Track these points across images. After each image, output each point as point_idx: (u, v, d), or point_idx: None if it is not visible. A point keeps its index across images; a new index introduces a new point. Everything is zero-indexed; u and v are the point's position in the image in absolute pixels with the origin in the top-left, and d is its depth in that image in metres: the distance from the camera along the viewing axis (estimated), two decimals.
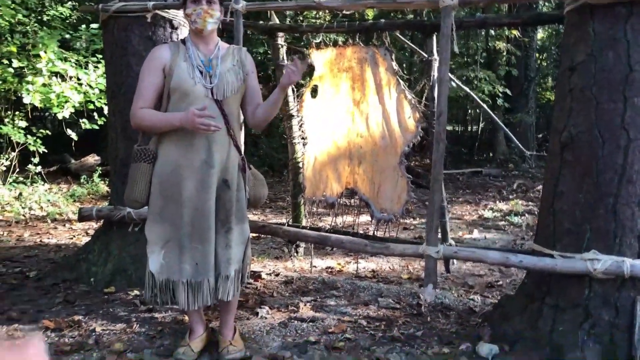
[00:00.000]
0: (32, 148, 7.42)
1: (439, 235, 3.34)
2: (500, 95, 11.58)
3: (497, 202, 8.12)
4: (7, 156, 7.45)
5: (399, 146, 3.50)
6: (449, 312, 3.28)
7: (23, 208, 6.71)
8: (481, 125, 16.78)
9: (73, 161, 10.08)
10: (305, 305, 3.36)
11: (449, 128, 18.83)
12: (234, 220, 2.56)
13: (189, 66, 2.48)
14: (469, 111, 18.75)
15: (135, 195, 2.54)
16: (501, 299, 3.15)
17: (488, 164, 12.67)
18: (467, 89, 4.30)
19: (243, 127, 3.02)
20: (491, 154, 14.05)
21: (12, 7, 6.80)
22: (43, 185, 7.79)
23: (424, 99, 3.60)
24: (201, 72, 2.49)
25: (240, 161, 2.61)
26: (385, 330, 3.00)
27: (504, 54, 12.81)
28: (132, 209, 2.72)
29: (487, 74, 11.30)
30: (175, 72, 2.47)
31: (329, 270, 4.37)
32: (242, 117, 2.73)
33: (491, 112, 4.42)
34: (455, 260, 4.23)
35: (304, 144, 3.96)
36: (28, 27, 7.29)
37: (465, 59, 14.03)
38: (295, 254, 4.52)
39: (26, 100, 6.71)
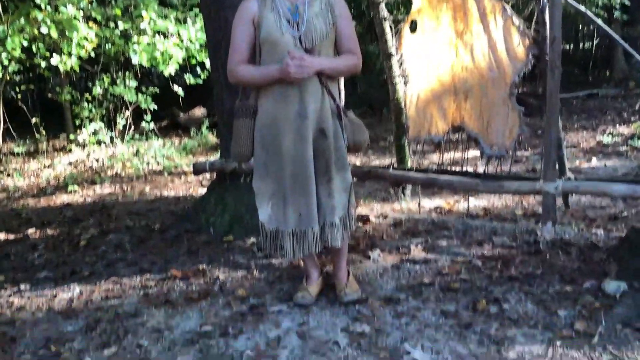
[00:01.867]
0: (143, 106, 7.84)
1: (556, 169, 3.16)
2: (617, 7, 10.54)
3: (617, 125, 7.54)
4: (122, 115, 7.92)
5: (508, 77, 3.29)
6: (570, 248, 3.13)
7: (142, 164, 7.17)
8: (595, 41, 15.46)
9: (182, 115, 10.55)
10: (416, 247, 3.35)
11: None
12: (334, 169, 2.56)
13: (276, 16, 2.44)
14: (580, 27, 17.30)
15: (240, 150, 2.61)
16: (629, 232, 2.96)
17: (605, 84, 11.72)
18: (579, 6, 3.91)
19: None
20: (608, 73, 12.96)
21: None
22: (157, 140, 8.25)
23: (533, 23, 3.34)
24: (288, 21, 2.44)
25: (335, 109, 2.56)
26: (502, 270, 2.93)
27: None
28: (239, 162, 2.80)
29: None
30: (263, 24, 2.45)
31: (438, 210, 4.31)
32: None
33: (607, 28, 4.00)
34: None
35: (405, 83, 3.85)
36: None
37: None
38: (402, 195, 4.48)
39: (134, 60, 7.05)
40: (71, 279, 3.34)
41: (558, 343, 2.21)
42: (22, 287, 3.27)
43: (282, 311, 2.67)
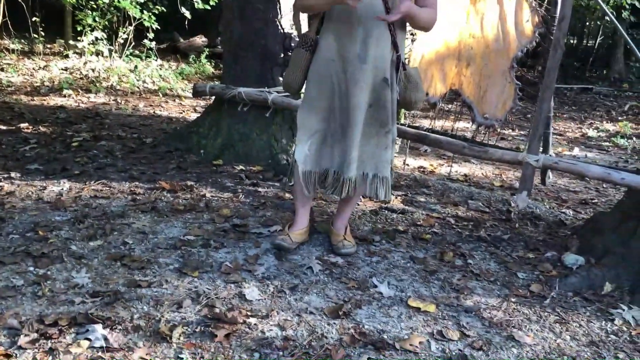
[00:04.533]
0: (146, 24, 7.77)
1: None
2: (628, 6, 10.61)
3: (604, 122, 7.75)
4: (124, 30, 7.84)
5: (512, 50, 3.40)
6: (539, 222, 3.32)
7: (138, 80, 7.17)
8: (599, 39, 15.55)
9: (182, 40, 10.47)
10: (395, 198, 3.50)
11: None
12: (391, 122, 2.49)
13: None
14: (588, 23, 17.33)
15: (289, 79, 2.55)
16: (595, 214, 3.14)
17: (600, 82, 11.90)
18: None
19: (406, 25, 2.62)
20: (605, 72, 13.13)
21: None
22: (155, 60, 8.21)
23: (545, 2, 3.43)
24: None
25: (395, 59, 2.44)
26: (472, 230, 3.11)
27: None
28: (287, 92, 2.69)
29: None
30: None
31: (422, 169, 4.47)
32: None
33: (618, 24, 4.11)
34: (551, 175, 4.19)
35: (413, 40, 3.92)
36: None
37: None
38: None
39: None
40: (61, 174, 3.44)
41: (513, 299, 2.39)
42: (13, 174, 3.36)
43: (263, 234, 2.82)
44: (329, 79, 2.45)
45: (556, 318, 2.27)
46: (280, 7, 3.84)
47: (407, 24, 2.49)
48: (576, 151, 5.79)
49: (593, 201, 4.00)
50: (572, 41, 18.01)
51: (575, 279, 2.60)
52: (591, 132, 6.92)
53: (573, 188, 4.32)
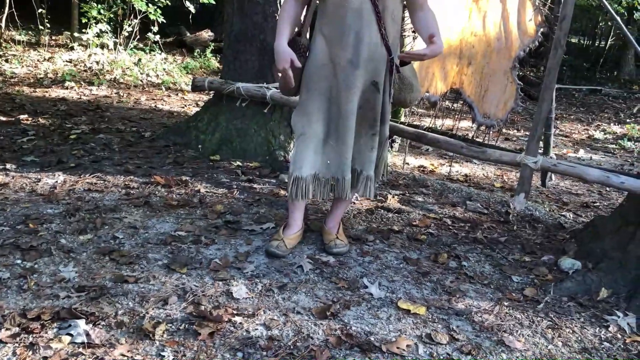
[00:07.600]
0: (152, 17, 7.75)
1: (541, 148, 3.26)
2: None
3: (612, 124, 7.65)
4: (129, 22, 7.83)
5: (514, 50, 3.35)
6: (537, 224, 3.27)
7: (141, 74, 7.16)
8: (610, 41, 15.40)
9: (188, 34, 10.45)
10: (393, 197, 3.46)
11: (574, 40, 17.47)
12: (379, 124, 2.49)
13: None
14: (600, 24, 17.17)
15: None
16: (594, 218, 3.09)
17: (610, 84, 11.78)
18: None
19: (400, 26, 2.59)
20: (615, 73, 13.00)
21: None
22: (160, 54, 8.20)
23: (548, 1, 3.37)
24: None
25: (387, 62, 2.41)
26: (469, 232, 3.06)
27: None
28: (285, 95, 2.69)
29: None
30: None
31: (421, 169, 4.42)
32: (401, 15, 2.49)
33: (624, 26, 4.02)
34: (553, 176, 4.13)
35: (414, 38, 3.87)
36: None
37: None
38: (390, 148, 4.57)
39: None
40: (57, 167, 3.43)
41: (505, 303, 2.35)
42: (8, 166, 3.35)
43: (255, 231, 2.79)
44: (321, 83, 2.42)
45: (549, 323, 2.23)
46: (279, 1, 3.80)
47: (398, 23, 2.46)
48: (581, 153, 5.72)
49: (595, 204, 3.94)
50: (583, 42, 17.87)
51: (570, 284, 2.55)
52: (598, 134, 6.84)
53: (575, 190, 4.26)
